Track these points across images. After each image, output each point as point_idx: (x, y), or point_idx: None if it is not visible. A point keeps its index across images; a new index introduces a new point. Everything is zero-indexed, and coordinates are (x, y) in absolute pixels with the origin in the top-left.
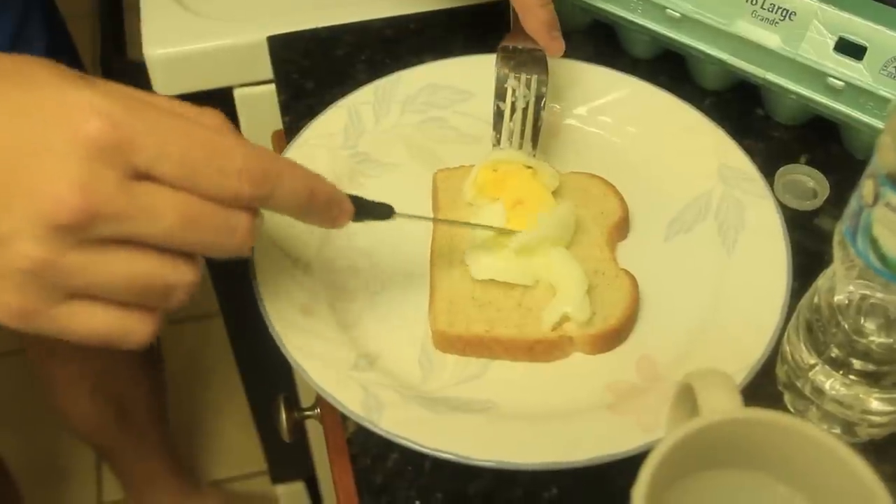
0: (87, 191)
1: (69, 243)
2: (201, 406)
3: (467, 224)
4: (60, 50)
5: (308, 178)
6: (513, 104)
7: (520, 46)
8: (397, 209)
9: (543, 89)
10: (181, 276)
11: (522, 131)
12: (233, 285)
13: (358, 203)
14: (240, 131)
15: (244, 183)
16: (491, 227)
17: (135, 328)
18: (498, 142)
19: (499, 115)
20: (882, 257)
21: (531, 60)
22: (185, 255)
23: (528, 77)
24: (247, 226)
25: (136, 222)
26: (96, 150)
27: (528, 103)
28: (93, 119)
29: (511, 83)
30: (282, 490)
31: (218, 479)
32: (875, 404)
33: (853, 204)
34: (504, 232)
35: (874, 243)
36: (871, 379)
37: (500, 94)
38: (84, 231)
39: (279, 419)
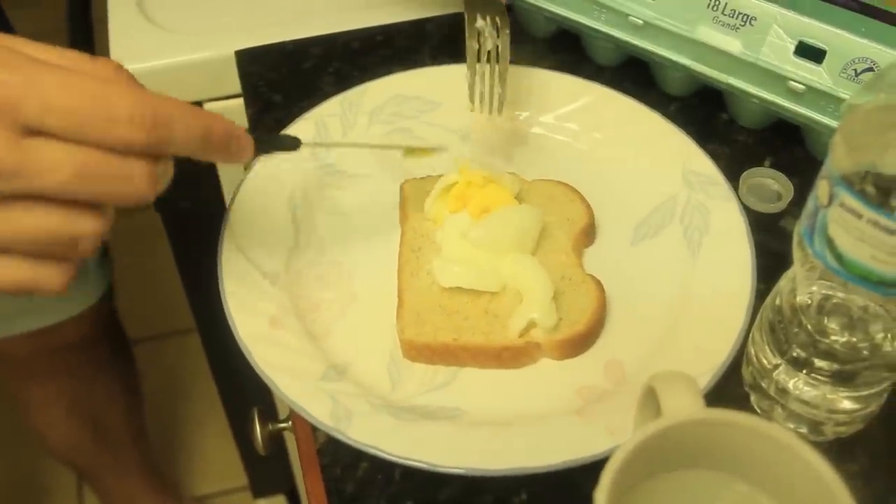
0: None
1: None
2: (181, 422)
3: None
4: None
5: (201, 117)
6: (481, 45)
7: None
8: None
9: (507, 30)
10: (85, 226)
11: (492, 81)
12: (208, 300)
13: (260, 137)
14: (137, 81)
15: (135, 130)
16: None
17: (47, 278)
18: (473, 87)
19: (472, 54)
20: (838, 257)
21: (492, 3)
22: (91, 205)
23: (493, 18)
24: (145, 172)
25: (30, 178)
26: None
27: (495, 46)
28: None
29: (479, 23)
30: None
31: (199, 494)
32: (846, 403)
33: (810, 205)
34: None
35: (830, 243)
36: (838, 378)
37: (471, 34)
38: None
39: (254, 432)
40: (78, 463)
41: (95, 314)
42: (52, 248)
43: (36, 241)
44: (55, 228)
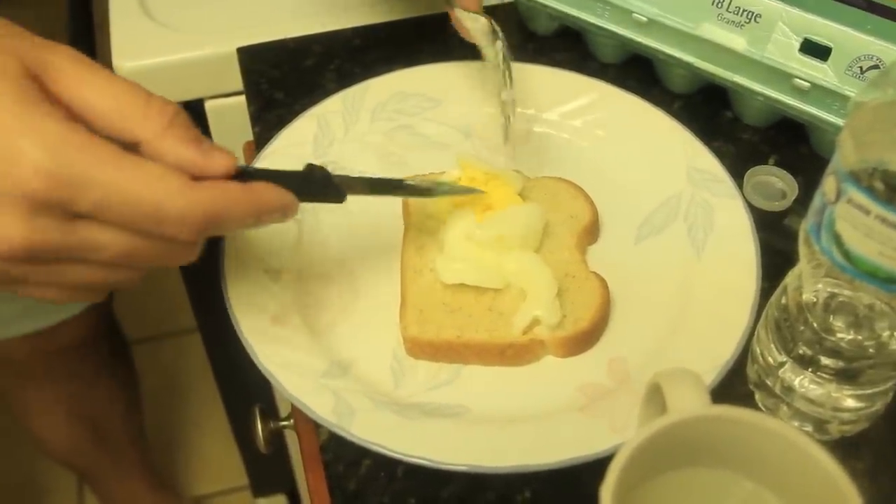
0: (30, 236)
1: (21, 263)
2: (181, 422)
3: (431, 183)
4: None
5: (252, 204)
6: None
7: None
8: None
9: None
10: (122, 277)
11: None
12: (209, 300)
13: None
14: (194, 133)
15: (182, 230)
16: (454, 186)
17: (82, 298)
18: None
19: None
20: (845, 253)
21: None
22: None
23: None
24: (188, 250)
25: (78, 253)
26: (38, 204)
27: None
28: (35, 179)
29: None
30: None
31: (199, 495)
32: (851, 402)
33: (816, 201)
34: (466, 191)
35: (837, 239)
36: (843, 376)
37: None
38: (30, 260)
39: (255, 430)
40: (77, 465)
41: (93, 316)
42: (90, 290)
43: (76, 287)
44: (92, 280)
